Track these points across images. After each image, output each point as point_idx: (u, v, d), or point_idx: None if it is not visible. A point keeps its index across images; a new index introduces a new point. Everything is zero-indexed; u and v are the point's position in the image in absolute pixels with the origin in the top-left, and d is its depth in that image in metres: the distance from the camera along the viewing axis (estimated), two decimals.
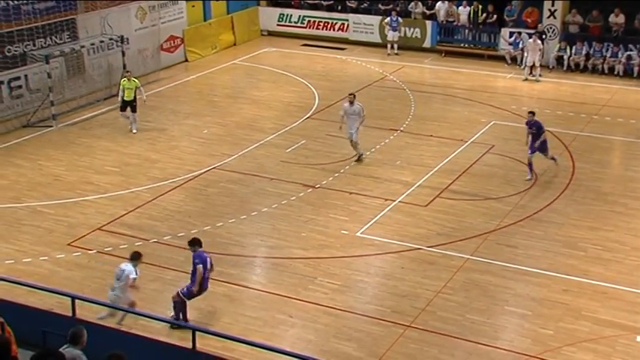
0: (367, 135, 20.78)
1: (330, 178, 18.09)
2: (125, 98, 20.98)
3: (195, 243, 12.41)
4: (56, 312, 10.73)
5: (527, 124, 18.00)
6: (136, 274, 11.92)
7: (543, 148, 17.81)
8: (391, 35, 29.29)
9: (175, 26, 28.12)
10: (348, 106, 18.68)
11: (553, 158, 18.16)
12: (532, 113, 17.98)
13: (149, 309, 12.46)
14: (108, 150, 19.98)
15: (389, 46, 29.40)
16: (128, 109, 21.06)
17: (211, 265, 12.47)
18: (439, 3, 29.43)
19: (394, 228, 15.67)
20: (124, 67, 23.07)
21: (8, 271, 13.71)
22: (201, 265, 12.18)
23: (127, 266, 11.93)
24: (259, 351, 10.52)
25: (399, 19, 29.20)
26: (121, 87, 21.13)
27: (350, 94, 18.92)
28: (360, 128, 18.59)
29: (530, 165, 17.80)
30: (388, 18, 29.25)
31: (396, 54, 29.20)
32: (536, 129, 17.70)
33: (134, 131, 21.04)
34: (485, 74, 26.86)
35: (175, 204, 16.76)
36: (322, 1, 31.71)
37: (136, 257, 12.10)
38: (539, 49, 25.74)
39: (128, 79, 20.96)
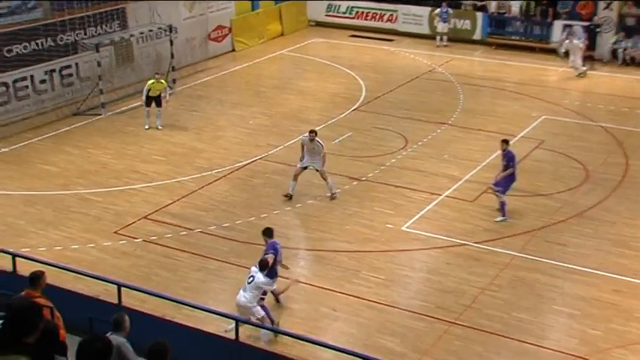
0: (414, 128, 20.66)
1: (376, 171, 18.02)
2: (150, 94, 20.68)
3: (267, 233, 12.53)
4: (102, 299, 10.93)
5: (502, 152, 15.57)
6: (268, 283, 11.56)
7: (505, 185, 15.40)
8: (441, 27, 29.01)
9: (223, 16, 28.28)
10: (307, 141, 16.34)
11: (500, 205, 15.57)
12: (505, 142, 15.59)
13: (193, 298, 12.59)
14: (154, 139, 20.22)
15: (438, 37, 29.12)
16: (153, 104, 20.75)
17: (281, 255, 12.53)
18: None
19: (440, 223, 15.54)
20: (172, 66, 23.23)
21: (57, 257, 13.99)
22: (272, 255, 12.14)
23: (258, 275, 11.50)
24: (302, 344, 10.55)
25: (450, 10, 28.89)
26: (146, 87, 20.73)
27: (311, 131, 16.43)
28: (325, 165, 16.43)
29: (502, 205, 15.46)
30: (438, 9, 28.96)
31: (446, 46, 28.92)
32: (506, 160, 15.43)
33: (159, 127, 20.79)
34: (537, 67, 26.42)
35: (220, 194, 16.88)
36: None
37: (264, 267, 11.54)
38: (580, 48, 25.11)
39: (157, 81, 20.68)
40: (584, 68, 25.25)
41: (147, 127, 20.95)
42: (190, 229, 15.30)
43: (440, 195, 16.75)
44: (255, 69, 26.70)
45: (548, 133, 20.29)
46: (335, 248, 14.66)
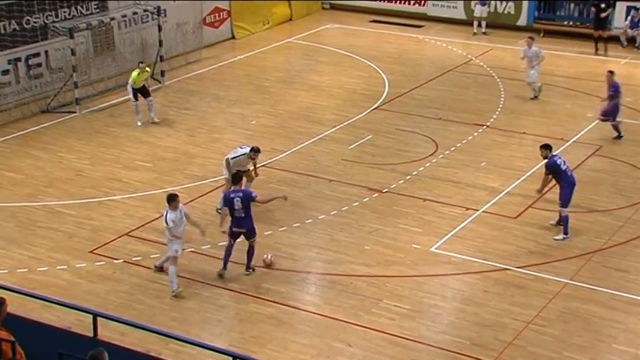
0: (446, 130, 20.67)
1: (401, 182, 18.01)
2: (134, 86, 21.00)
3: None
4: (75, 331, 10.94)
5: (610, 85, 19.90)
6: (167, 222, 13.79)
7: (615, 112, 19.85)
8: (479, 10, 29.06)
9: None
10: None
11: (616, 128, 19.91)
12: (611, 72, 19.86)
13: (183, 331, 12.61)
14: (139, 141, 20.31)
15: (476, 23, 29.16)
16: (140, 97, 21.08)
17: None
18: None
19: (476, 243, 15.51)
20: (160, 56, 23.42)
21: (21, 281, 14.05)
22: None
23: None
24: None
25: None
26: (130, 80, 21.03)
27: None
28: None
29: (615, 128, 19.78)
30: None
31: (484, 33, 28.95)
32: (613, 90, 19.60)
33: (156, 120, 21.23)
34: (594, 59, 26.40)
35: (216, 207, 16.92)
36: None
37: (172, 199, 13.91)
38: None
39: (142, 71, 21.01)
40: None
41: (139, 123, 21.14)
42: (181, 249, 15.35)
43: (476, 210, 16.72)
44: (259, 60, 26.80)
45: (607, 137, 20.23)
46: (351, 272, 14.64)
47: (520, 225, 16.12)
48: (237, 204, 14.25)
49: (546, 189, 16.24)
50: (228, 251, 14.50)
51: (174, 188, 17.66)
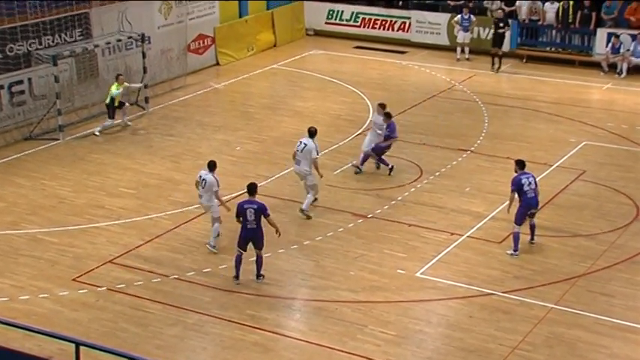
0: (431, 155, 20.71)
1: (386, 207, 18.03)
2: (115, 104, 22.12)
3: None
4: None
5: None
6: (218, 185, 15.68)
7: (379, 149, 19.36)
8: (462, 36, 29.25)
9: (205, 23, 28.55)
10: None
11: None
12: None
13: (167, 359, 12.51)
14: (123, 168, 20.26)
15: (459, 49, 29.35)
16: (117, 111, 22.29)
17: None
18: None
19: (461, 268, 15.51)
20: (144, 83, 23.73)
21: (2, 310, 13.92)
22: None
23: (208, 176, 15.79)
24: None
25: (472, 17, 29.15)
26: (110, 95, 22.03)
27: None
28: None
29: (374, 159, 19.58)
30: (458, 16, 29.23)
31: (467, 59, 29.12)
32: (389, 130, 19.15)
33: (128, 123, 22.58)
34: (576, 84, 26.58)
35: (201, 234, 16.86)
36: None
37: (212, 166, 15.85)
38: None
39: (120, 84, 21.95)
40: None
41: (98, 133, 22.17)
42: (165, 276, 15.27)
43: (461, 235, 16.74)
44: (243, 86, 26.85)
45: (591, 161, 20.34)
46: (336, 298, 14.60)
47: (505, 250, 16.12)
48: (250, 215, 14.61)
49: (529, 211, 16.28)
50: (239, 260, 14.92)
51: (159, 215, 17.65)
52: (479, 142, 21.68)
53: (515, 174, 16.12)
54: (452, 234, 16.79)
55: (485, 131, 22.45)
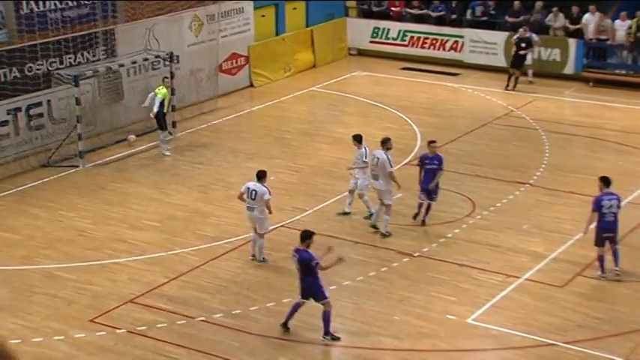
0: (485, 189, 20.60)
1: (434, 245, 17.91)
2: (165, 110, 22.72)
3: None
4: None
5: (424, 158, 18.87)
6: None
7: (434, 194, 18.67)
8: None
9: (239, 41, 28.83)
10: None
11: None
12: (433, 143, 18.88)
13: None
14: (147, 198, 20.40)
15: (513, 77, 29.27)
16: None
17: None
18: (587, 15, 29.15)
19: (518, 315, 15.33)
20: (172, 76, 24.08)
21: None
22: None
23: (257, 186, 16.65)
24: None
25: (534, 36, 29.03)
26: (158, 96, 22.53)
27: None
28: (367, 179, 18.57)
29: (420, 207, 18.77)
30: (517, 35, 29.15)
31: (531, 82, 28.97)
32: (437, 163, 18.62)
33: (167, 153, 22.83)
34: None
35: (230, 272, 16.89)
36: (430, 12, 31.89)
37: (262, 175, 16.74)
38: None
39: (167, 87, 22.71)
40: None
41: (168, 152, 22.99)
42: (190, 317, 15.27)
43: (518, 278, 16.57)
44: (279, 110, 26.98)
45: None
46: (379, 345, 14.49)
47: (567, 295, 15.92)
48: (295, 264, 14.50)
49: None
50: (295, 308, 14.69)
51: (185, 250, 17.71)
52: (538, 174, 21.51)
53: (600, 192, 16.22)
54: (508, 276, 16.61)
55: (546, 162, 22.29)
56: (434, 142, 18.94)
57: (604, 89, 28.29)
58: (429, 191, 18.60)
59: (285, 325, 14.70)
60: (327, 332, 14.49)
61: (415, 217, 18.86)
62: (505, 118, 25.82)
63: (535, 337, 14.64)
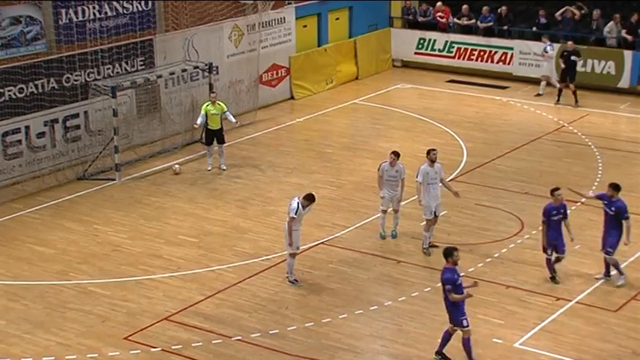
0: (534, 207, 20.40)
1: (480, 265, 17.80)
2: (210, 127, 22.77)
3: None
4: None
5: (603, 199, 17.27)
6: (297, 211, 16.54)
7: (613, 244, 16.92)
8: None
9: (280, 52, 28.95)
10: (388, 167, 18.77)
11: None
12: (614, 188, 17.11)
13: None
14: (184, 213, 20.51)
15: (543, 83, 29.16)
16: (214, 141, 22.88)
17: None
18: None
19: (569, 340, 15.16)
20: (211, 88, 24.18)
21: None
22: None
23: (294, 200, 16.85)
24: None
25: (548, 47, 28.92)
26: (202, 112, 22.75)
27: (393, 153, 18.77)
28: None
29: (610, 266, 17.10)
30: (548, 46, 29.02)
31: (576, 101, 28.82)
32: (615, 210, 16.87)
33: (223, 167, 22.89)
34: None
35: (269, 290, 16.90)
36: (479, 23, 31.79)
37: (310, 199, 16.91)
38: None
39: (213, 103, 22.71)
40: None
41: (210, 167, 22.97)
42: (227, 337, 15.29)
43: (569, 300, 16.41)
44: (321, 123, 27.01)
45: None
46: None
47: (622, 320, 15.73)
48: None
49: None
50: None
51: (222, 267, 17.77)
52: (591, 193, 21.26)
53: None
54: (557, 299, 16.45)
55: (599, 180, 22.08)
56: (557, 189, 17.19)
57: None
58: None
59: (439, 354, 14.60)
60: (439, 352, 14.58)
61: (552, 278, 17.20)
62: (556, 134, 25.63)
63: None
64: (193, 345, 15.05)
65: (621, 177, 22.25)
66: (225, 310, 16.22)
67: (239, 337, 15.26)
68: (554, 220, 16.87)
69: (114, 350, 14.95)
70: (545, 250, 16.97)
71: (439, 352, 14.46)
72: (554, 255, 17.04)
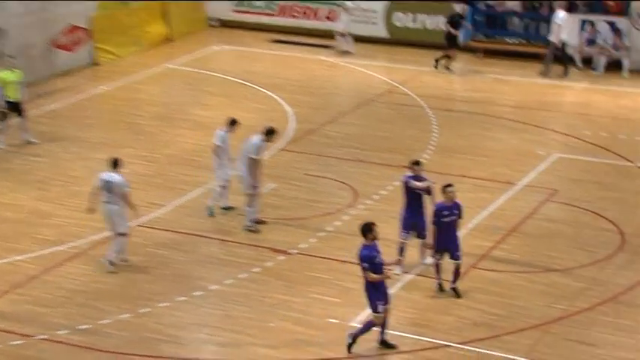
0: (367, 175, 20.80)
1: (313, 240, 18.01)
2: (10, 99, 22.08)
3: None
4: None
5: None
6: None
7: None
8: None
9: (78, 12, 28.28)
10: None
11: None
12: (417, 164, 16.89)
13: None
14: None
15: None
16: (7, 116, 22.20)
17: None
18: None
19: (408, 314, 15.54)
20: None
21: None
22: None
23: (113, 176, 16.58)
24: None
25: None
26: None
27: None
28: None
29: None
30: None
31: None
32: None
33: (34, 140, 22.43)
34: (545, 84, 27.06)
35: (76, 280, 16.60)
36: None
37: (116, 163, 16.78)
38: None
39: (12, 70, 22.08)
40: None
41: (2, 146, 22.23)
42: (28, 336, 14.92)
43: (408, 272, 16.77)
44: (130, 91, 26.66)
45: (565, 179, 20.67)
46: (253, 356, 14.50)
47: (461, 289, 16.21)
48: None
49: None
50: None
51: (21, 258, 17.31)
52: (427, 156, 21.81)
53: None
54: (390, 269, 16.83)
55: (435, 143, 22.63)
56: (450, 185, 16.26)
57: (495, 61, 28.94)
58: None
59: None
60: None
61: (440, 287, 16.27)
62: (388, 96, 26.12)
63: (427, 339, 14.81)
64: None
65: (456, 139, 22.99)
66: (25, 307, 15.78)
67: (43, 336, 14.90)
68: (445, 221, 15.85)
69: None
70: (434, 255, 16.05)
71: (382, 341, 14.46)
72: (453, 262, 15.92)
